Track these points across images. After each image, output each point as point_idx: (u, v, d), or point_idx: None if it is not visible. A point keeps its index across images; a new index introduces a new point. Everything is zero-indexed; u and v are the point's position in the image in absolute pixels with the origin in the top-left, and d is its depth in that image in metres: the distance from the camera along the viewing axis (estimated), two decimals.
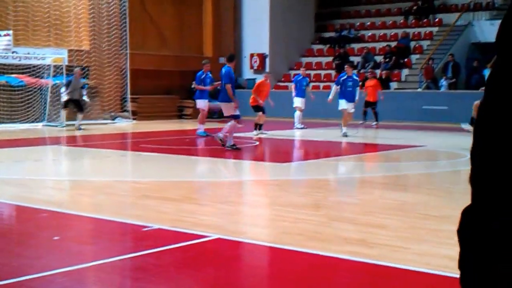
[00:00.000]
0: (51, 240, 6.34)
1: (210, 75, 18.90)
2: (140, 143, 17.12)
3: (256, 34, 30.84)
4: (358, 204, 8.53)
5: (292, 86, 23.08)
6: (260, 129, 19.26)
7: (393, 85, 27.84)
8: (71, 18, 25.35)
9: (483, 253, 1.29)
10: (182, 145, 16.81)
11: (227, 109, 14.65)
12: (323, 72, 30.66)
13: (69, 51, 24.56)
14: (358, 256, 5.65)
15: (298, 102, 22.27)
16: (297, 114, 22.22)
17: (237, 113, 14.58)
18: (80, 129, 20.61)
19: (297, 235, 6.52)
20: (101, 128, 22.61)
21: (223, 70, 14.86)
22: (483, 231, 1.31)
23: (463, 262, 1.35)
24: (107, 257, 5.68)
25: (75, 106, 20.80)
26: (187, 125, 23.24)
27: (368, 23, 32.52)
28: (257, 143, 17.09)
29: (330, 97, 19.16)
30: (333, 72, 29.83)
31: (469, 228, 1.35)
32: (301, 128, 21.74)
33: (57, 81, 23.35)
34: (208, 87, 18.66)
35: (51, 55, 23.42)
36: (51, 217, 7.51)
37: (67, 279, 5.07)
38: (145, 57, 27.64)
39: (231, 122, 14.44)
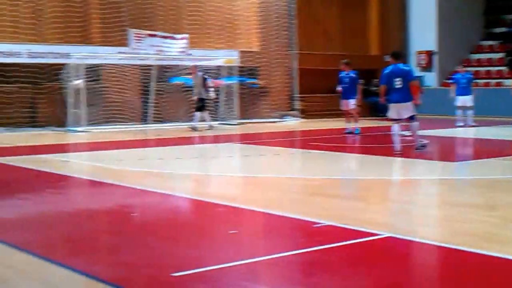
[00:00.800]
0: (228, 234, 6.62)
1: (351, 74, 18.86)
2: (309, 141, 17.35)
3: (423, 32, 30.27)
4: None
5: (452, 85, 22.53)
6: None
7: None
8: (242, 21, 26.13)
9: None
10: (349, 143, 16.86)
11: (408, 109, 13.73)
12: (493, 69, 29.53)
13: (240, 52, 25.33)
14: None
15: (460, 100, 21.70)
16: (461, 112, 21.67)
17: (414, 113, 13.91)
18: (194, 129, 20.60)
19: (470, 235, 6.39)
20: (270, 126, 23.12)
21: (398, 68, 13.68)
22: None
23: None
24: (280, 252, 5.85)
25: (198, 104, 20.91)
26: (359, 123, 23.18)
27: None
28: (426, 141, 16.80)
29: None
30: (504, 69, 28.67)
31: None
32: (466, 126, 21.12)
33: (229, 81, 24.14)
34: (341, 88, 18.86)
35: (223, 56, 24.26)
36: (227, 211, 7.85)
37: (242, 272, 5.29)
38: (311, 56, 27.92)
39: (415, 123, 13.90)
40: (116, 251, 6.01)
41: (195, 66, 21.29)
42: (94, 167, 12.45)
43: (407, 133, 15.31)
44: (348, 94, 18.89)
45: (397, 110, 13.60)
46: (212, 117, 22.19)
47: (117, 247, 6.17)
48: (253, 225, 7.43)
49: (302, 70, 27.14)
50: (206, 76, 21.16)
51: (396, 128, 13.55)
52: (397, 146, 13.42)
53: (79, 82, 20.62)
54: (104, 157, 13.84)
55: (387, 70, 13.74)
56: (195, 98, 20.96)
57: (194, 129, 20.43)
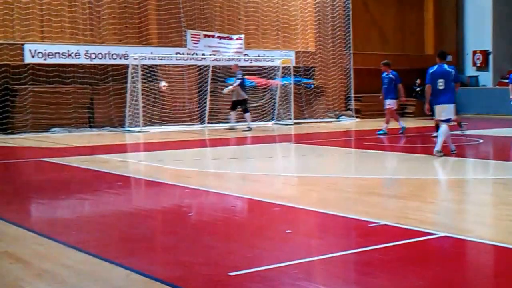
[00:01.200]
0: (284, 233, 6.70)
1: (389, 75, 18.87)
2: (364, 140, 17.34)
3: (479, 31, 29.89)
4: None
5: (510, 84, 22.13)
6: (461, 126, 18.09)
7: None
8: (298, 21, 26.22)
9: None
10: (404, 143, 16.80)
11: (447, 111, 13.20)
12: None
13: (296, 52, 25.42)
14: None
15: None
16: None
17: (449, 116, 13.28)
18: (249, 129, 20.59)
19: None
20: (326, 126, 23.14)
21: (442, 68, 13.25)
22: None
23: None
24: (335, 251, 5.92)
25: (243, 106, 20.93)
26: (409, 123, 23.05)
27: None
28: (480, 141, 16.63)
29: None
30: None
31: None
32: None
33: (286, 82, 24.25)
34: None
35: (280, 57, 24.38)
36: (283, 211, 7.94)
37: (298, 271, 5.35)
38: (367, 56, 27.84)
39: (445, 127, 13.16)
40: (173, 251, 6.11)
41: (237, 65, 21.34)
42: (152, 167, 12.67)
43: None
44: (386, 94, 19.01)
45: (439, 111, 13.21)
46: (257, 117, 22.32)
47: (174, 246, 6.28)
48: (309, 224, 7.50)
49: (357, 70, 27.09)
50: (242, 77, 20.98)
51: (445, 128, 13.05)
52: (451, 146, 13.20)
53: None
54: (161, 157, 14.07)
55: (432, 69, 13.38)
56: (225, 92, 20.91)
57: (232, 129, 20.63)
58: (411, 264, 5.60)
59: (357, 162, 13.74)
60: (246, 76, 22.09)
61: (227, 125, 21.36)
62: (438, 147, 12.90)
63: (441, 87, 13.08)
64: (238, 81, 20.50)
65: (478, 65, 30.11)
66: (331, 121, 25.12)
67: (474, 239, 6.30)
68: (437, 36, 30.60)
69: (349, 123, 25.18)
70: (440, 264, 5.53)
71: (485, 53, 29.93)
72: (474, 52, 30.28)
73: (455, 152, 13.13)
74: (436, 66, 13.31)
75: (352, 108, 26.89)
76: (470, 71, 30.49)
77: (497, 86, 28.78)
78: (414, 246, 6.13)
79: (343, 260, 5.73)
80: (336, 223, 7.34)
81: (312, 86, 25.89)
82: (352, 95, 26.97)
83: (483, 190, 9.84)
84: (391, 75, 18.91)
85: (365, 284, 5.07)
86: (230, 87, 20.88)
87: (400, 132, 18.55)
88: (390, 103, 18.86)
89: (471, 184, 10.54)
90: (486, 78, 29.89)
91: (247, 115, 20.99)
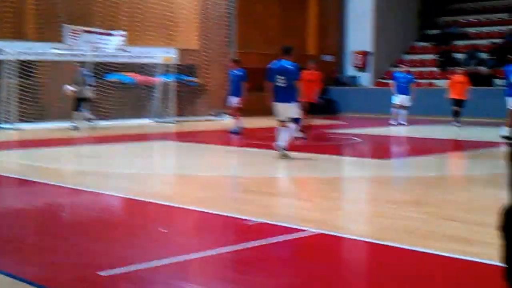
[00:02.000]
0: (159, 232, 6.59)
1: (238, 72, 18.67)
2: (244, 139, 17.39)
3: (359, 32, 30.73)
4: (459, 201, 8.45)
5: (392, 83, 22.93)
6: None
7: (498, 82, 26.91)
8: (182, 19, 26.01)
9: None
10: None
11: (291, 110, 12.42)
12: (426, 70, 30.13)
13: (179, 50, 25.23)
14: (459, 253, 5.62)
15: (397, 99, 22.11)
16: (395, 111, 22.06)
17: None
18: (75, 128, 19.51)
19: (397, 231, 6.54)
20: (207, 124, 23.09)
21: (281, 65, 12.38)
22: None
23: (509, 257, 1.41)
24: (211, 249, 5.87)
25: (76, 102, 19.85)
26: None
27: (473, 20, 31.77)
28: (359, 140, 17.06)
29: None
30: (436, 70, 29.36)
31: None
32: (401, 125, 21.49)
33: (167, 79, 24.02)
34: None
35: (162, 54, 24.11)
36: (159, 210, 7.83)
37: (172, 269, 5.29)
38: (250, 55, 27.99)
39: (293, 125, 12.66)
40: (43, 251, 5.91)
41: (76, 62, 20.65)
42: (22, 165, 12.22)
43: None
44: (234, 92, 18.61)
45: (278, 110, 12.44)
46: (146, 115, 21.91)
47: (45, 247, 6.07)
48: (185, 223, 7.42)
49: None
50: (87, 73, 20.30)
51: (292, 127, 12.51)
52: (283, 144, 12.33)
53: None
54: (33, 154, 13.61)
55: (271, 65, 12.54)
56: (68, 91, 19.73)
57: (76, 128, 19.54)
58: (286, 262, 5.63)
59: (236, 160, 13.74)
60: (127, 73, 21.70)
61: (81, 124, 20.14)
62: (281, 142, 12.28)
63: (281, 84, 12.23)
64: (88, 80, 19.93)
65: (358, 65, 30.92)
66: (212, 120, 25.09)
67: (348, 236, 6.40)
68: (319, 36, 31.18)
69: (230, 121, 25.20)
70: (313, 261, 5.58)
71: (365, 54, 30.78)
72: (355, 52, 31.06)
73: (285, 150, 12.32)
74: (275, 62, 12.52)
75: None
76: (350, 71, 31.25)
77: (376, 86, 29.66)
78: (289, 243, 6.17)
79: (218, 258, 5.68)
80: (212, 221, 7.29)
81: (194, 84, 25.79)
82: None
83: (357, 187, 10.07)
84: (239, 73, 18.70)
85: (240, 282, 5.04)
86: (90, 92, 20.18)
87: (233, 131, 18.29)
88: (236, 101, 18.57)
89: (346, 182, 10.76)
90: (366, 79, 30.74)
91: (82, 113, 19.93)
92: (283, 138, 12.30)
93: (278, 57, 12.60)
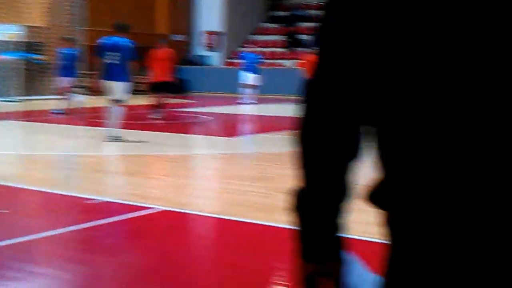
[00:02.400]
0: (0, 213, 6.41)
1: (71, 51, 18.52)
2: (92, 118, 17.04)
3: (211, 12, 30.88)
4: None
5: (240, 63, 23.31)
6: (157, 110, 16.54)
7: None
8: None
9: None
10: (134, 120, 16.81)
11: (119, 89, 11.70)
12: (274, 50, 30.79)
13: (27, 27, 24.30)
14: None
15: (246, 78, 22.47)
16: (244, 90, 22.45)
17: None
18: None
19: (242, 206, 6.71)
20: (56, 103, 22.43)
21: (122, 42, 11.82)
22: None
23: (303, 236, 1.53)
24: (54, 229, 5.78)
25: None
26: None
27: (316, 3, 32.75)
28: (209, 118, 17.22)
29: None
30: (284, 50, 30.14)
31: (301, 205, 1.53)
32: (250, 104, 21.88)
33: (11, 56, 23.12)
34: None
35: (6, 31, 23.13)
36: (1, 191, 7.59)
37: (13, 251, 5.17)
38: (100, 33, 27.37)
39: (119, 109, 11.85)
40: None
41: None
42: None
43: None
44: (67, 71, 18.29)
45: (107, 87, 11.81)
46: None
47: None
48: (29, 204, 7.22)
49: (90, 47, 26.53)
50: None
51: (118, 110, 11.77)
52: (113, 131, 11.71)
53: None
54: None
55: (101, 40, 12.11)
56: None
57: None
58: (130, 239, 5.65)
59: (84, 139, 13.46)
60: None
61: None
62: (110, 132, 11.69)
63: (112, 61, 11.59)
64: None
65: (209, 45, 31.07)
66: (61, 99, 24.40)
67: (193, 212, 6.50)
68: (170, 15, 31.04)
69: (80, 100, 24.64)
70: (159, 238, 5.64)
71: (215, 34, 30.96)
72: (206, 32, 31.17)
73: (118, 139, 11.66)
74: (108, 38, 11.99)
75: (84, 85, 26.33)
76: (201, 51, 31.37)
77: (226, 66, 29.96)
78: (134, 221, 6.18)
79: (62, 238, 5.60)
80: (58, 201, 7.14)
81: (41, 62, 24.97)
82: (84, 72, 26.40)
83: (206, 165, 10.22)
84: (72, 52, 18.35)
85: (85, 262, 4.98)
86: None
87: (56, 112, 18.02)
88: (67, 82, 18.24)
89: (194, 159, 10.87)
90: (216, 59, 30.95)
91: None
92: (113, 119, 11.70)
93: (111, 33, 12.18)
